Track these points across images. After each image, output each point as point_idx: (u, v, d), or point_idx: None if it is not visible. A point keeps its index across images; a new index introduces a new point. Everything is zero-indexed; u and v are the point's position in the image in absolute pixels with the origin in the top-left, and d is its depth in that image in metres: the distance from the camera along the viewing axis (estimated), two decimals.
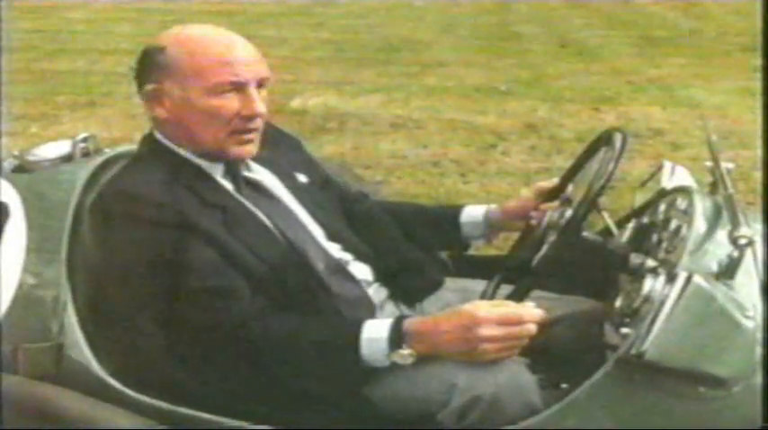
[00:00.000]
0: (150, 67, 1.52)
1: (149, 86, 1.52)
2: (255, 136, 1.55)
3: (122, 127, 5.03)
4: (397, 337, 1.37)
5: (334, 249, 1.63)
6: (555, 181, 1.80)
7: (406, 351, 1.36)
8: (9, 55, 6.84)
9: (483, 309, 1.36)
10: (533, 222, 1.74)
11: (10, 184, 1.66)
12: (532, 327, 1.35)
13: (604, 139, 1.57)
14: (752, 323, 1.30)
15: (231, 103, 1.49)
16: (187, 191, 1.49)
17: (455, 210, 1.88)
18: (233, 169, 1.57)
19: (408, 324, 1.39)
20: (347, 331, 1.41)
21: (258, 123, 1.54)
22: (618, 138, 1.48)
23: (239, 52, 1.51)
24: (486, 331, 1.34)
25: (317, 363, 1.42)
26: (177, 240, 1.42)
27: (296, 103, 6.21)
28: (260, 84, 1.53)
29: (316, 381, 1.45)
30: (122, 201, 1.46)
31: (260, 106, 1.51)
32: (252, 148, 1.56)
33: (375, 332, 1.39)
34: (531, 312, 1.36)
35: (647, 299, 1.34)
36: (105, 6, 12.55)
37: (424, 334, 1.38)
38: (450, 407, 1.40)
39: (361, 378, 1.43)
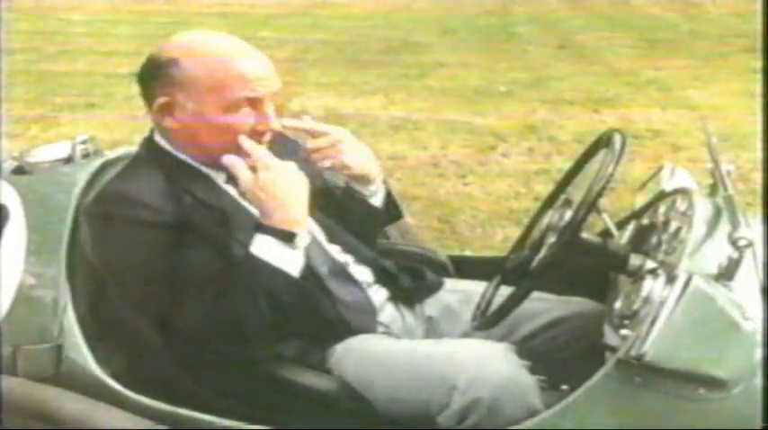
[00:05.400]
0: (161, 78, 1.47)
1: (161, 100, 1.48)
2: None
3: (122, 129, 5.02)
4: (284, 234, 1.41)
5: (336, 251, 1.63)
6: None
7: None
8: (8, 56, 6.84)
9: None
10: None
11: (10, 186, 1.66)
12: None
13: (604, 141, 1.56)
14: (751, 324, 1.30)
15: (246, 118, 1.47)
16: (185, 193, 1.48)
17: None
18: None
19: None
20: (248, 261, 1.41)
21: (269, 137, 1.53)
22: (617, 140, 1.48)
23: (257, 68, 1.48)
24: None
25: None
26: (174, 242, 1.42)
27: (296, 104, 6.21)
28: (272, 97, 1.51)
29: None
30: (119, 203, 1.44)
31: (275, 122, 1.50)
32: None
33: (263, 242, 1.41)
34: None
35: (647, 300, 1.34)
36: (104, 8, 12.55)
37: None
38: (450, 408, 1.40)
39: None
